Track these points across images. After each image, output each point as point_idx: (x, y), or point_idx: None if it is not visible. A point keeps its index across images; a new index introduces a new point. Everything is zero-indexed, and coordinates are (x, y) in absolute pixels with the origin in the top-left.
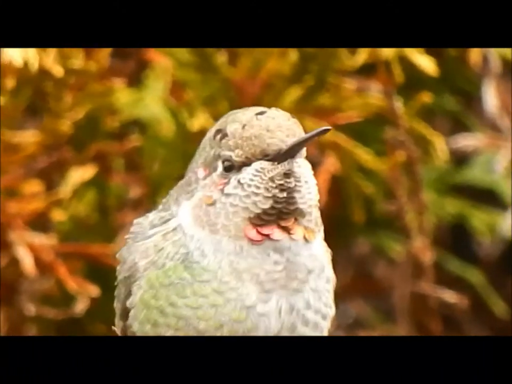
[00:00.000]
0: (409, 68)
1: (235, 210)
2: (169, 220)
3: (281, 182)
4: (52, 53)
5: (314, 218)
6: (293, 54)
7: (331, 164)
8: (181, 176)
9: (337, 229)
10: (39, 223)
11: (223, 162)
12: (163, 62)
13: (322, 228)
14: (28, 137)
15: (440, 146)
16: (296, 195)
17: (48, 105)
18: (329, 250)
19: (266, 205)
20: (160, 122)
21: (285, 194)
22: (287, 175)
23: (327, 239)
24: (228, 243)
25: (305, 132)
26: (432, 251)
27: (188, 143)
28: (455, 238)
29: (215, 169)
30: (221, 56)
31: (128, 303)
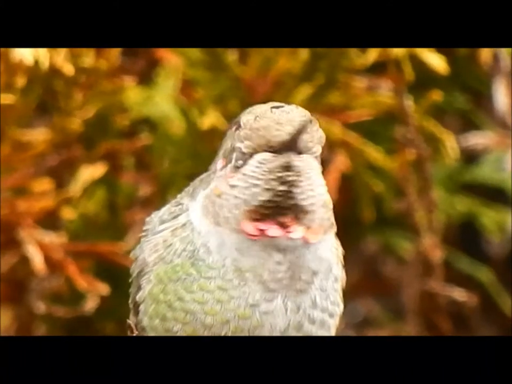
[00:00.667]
0: (420, 66)
1: (236, 202)
2: (179, 215)
3: (281, 174)
4: (62, 51)
5: (319, 219)
6: (303, 53)
7: (341, 162)
8: (191, 175)
9: (346, 227)
10: (49, 221)
11: (236, 154)
12: (173, 60)
13: (333, 229)
14: (38, 135)
15: (450, 145)
16: (295, 190)
17: (58, 103)
18: (340, 248)
19: (265, 197)
20: (171, 120)
21: (284, 188)
22: (286, 168)
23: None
24: (229, 237)
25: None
26: (441, 249)
27: (198, 141)
28: (465, 236)
29: (230, 160)
30: (231, 55)
31: (137, 297)
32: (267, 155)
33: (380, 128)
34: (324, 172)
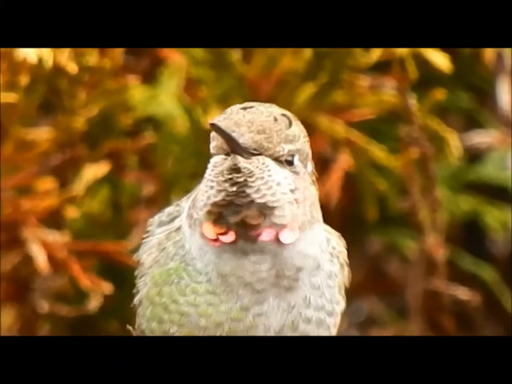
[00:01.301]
0: (423, 65)
1: (200, 204)
2: (176, 217)
3: (230, 176)
4: (66, 50)
5: (290, 215)
6: (307, 52)
7: (345, 160)
8: (195, 174)
9: (350, 226)
10: (53, 220)
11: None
12: (177, 59)
13: (314, 225)
14: (42, 134)
15: (454, 143)
16: (248, 190)
17: (62, 102)
18: (339, 247)
19: (218, 197)
20: (174, 119)
21: (235, 188)
22: (235, 169)
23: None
24: (203, 242)
25: (319, 129)
26: (445, 248)
27: (202, 140)
28: (469, 235)
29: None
30: (235, 54)
31: (135, 300)
32: (219, 158)
33: (383, 127)
34: (328, 170)
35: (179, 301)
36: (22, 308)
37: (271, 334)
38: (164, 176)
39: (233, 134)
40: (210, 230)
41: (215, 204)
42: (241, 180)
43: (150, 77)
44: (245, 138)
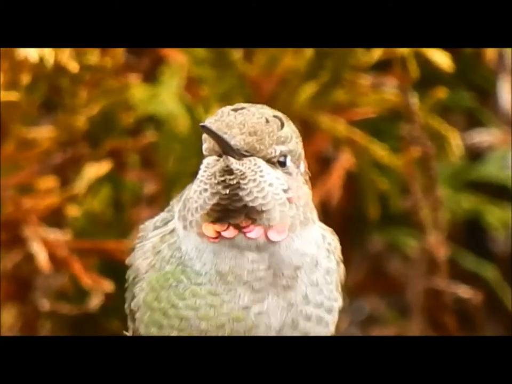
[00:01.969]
0: (425, 63)
1: (194, 206)
2: (169, 221)
3: (222, 178)
4: (67, 49)
5: (279, 217)
6: (308, 51)
7: (346, 159)
8: (196, 173)
9: (352, 225)
10: (54, 219)
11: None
12: (178, 58)
13: (309, 224)
14: (43, 133)
15: (455, 142)
16: (241, 193)
17: (63, 101)
18: (334, 243)
19: (213, 200)
20: (176, 118)
21: (228, 191)
22: (227, 171)
23: (341, 235)
24: (200, 242)
25: (320, 128)
26: (446, 247)
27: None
28: (470, 233)
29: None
30: (236, 53)
31: (132, 305)
32: (211, 159)
33: (385, 125)
34: (329, 170)
35: (178, 305)
36: (23, 306)
37: (272, 333)
38: (165, 175)
39: (225, 136)
40: (210, 229)
41: (211, 209)
42: (234, 182)
43: (151, 76)
44: (236, 140)
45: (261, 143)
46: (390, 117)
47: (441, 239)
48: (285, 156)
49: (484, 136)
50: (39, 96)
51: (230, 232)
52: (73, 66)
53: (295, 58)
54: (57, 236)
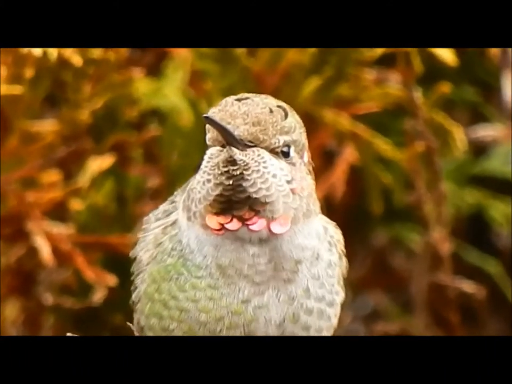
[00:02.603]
0: (429, 58)
1: (198, 197)
2: (171, 212)
3: (226, 169)
4: None
5: (282, 209)
6: None
7: (350, 154)
8: (200, 165)
9: (355, 220)
10: (57, 213)
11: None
12: (182, 52)
13: (312, 217)
14: (47, 127)
15: (459, 137)
16: (244, 183)
17: (67, 95)
18: (336, 236)
19: (216, 191)
20: (179, 112)
21: (231, 182)
22: (230, 162)
23: (345, 229)
24: (203, 234)
25: (324, 122)
26: (450, 242)
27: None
28: (474, 228)
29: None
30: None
31: (133, 296)
32: (214, 149)
33: (388, 120)
34: (333, 164)
35: (178, 297)
36: (27, 300)
37: (272, 326)
38: (169, 169)
39: (228, 126)
40: (214, 221)
41: (214, 200)
42: (237, 173)
43: (155, 70)
44: (240, 130)
45: (265, 133)
46: (394, 112)
47: (445, 234)
48: (289, 146)
49: (487, 131)
50: (42, 90)
51: (233, 225)
52: (76, 60)
53: (299, 53)
54: (61, 230)
